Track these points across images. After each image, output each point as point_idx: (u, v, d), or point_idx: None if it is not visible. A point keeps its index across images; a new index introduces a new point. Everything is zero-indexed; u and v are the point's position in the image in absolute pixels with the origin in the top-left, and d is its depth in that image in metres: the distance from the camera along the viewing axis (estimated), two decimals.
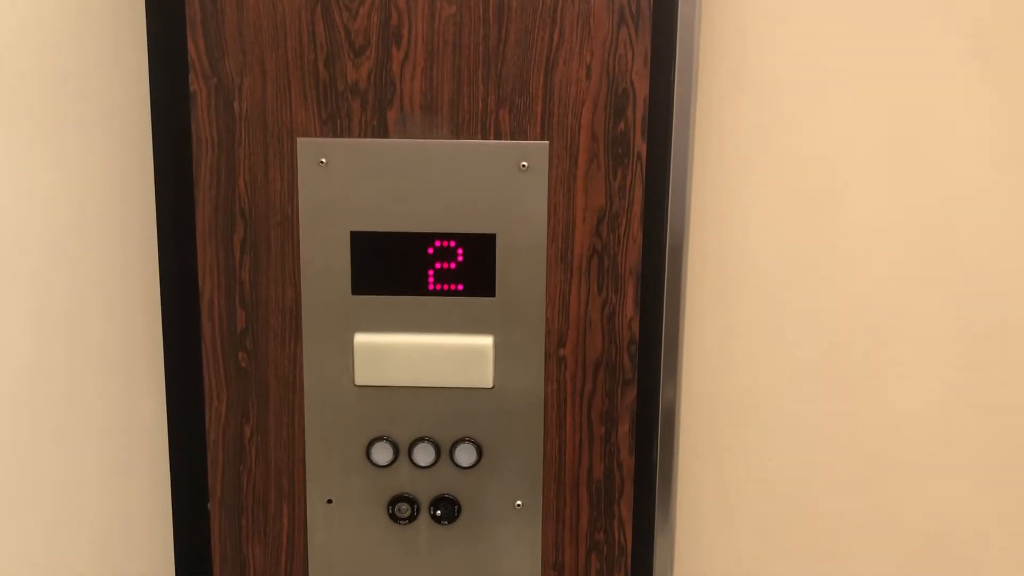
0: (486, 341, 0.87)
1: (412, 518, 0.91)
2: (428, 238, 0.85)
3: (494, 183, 0.84)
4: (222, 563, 0.92)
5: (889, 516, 0.99)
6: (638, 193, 0.84)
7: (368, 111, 0.83)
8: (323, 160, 0.84)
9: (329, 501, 0.91)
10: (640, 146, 0.83)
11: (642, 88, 0.82)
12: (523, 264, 0.86)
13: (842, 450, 0.98)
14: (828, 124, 0.92)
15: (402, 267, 0.86)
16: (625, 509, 0.91)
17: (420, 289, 0.86)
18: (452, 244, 0.85)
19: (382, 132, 0.84)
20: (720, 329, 0.95)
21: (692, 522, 0.99)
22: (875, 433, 0.97)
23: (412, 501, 0.90)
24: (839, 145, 0.92)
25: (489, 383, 0.88)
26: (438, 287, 0.86)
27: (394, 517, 0.91)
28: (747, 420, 0.97)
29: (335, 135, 0.84)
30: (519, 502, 0.91)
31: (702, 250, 0.93)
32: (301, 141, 0.84)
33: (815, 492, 0.99)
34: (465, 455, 0.89)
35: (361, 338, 0.87)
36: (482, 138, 0.84)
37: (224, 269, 0.86)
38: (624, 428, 0.89)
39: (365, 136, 0.84)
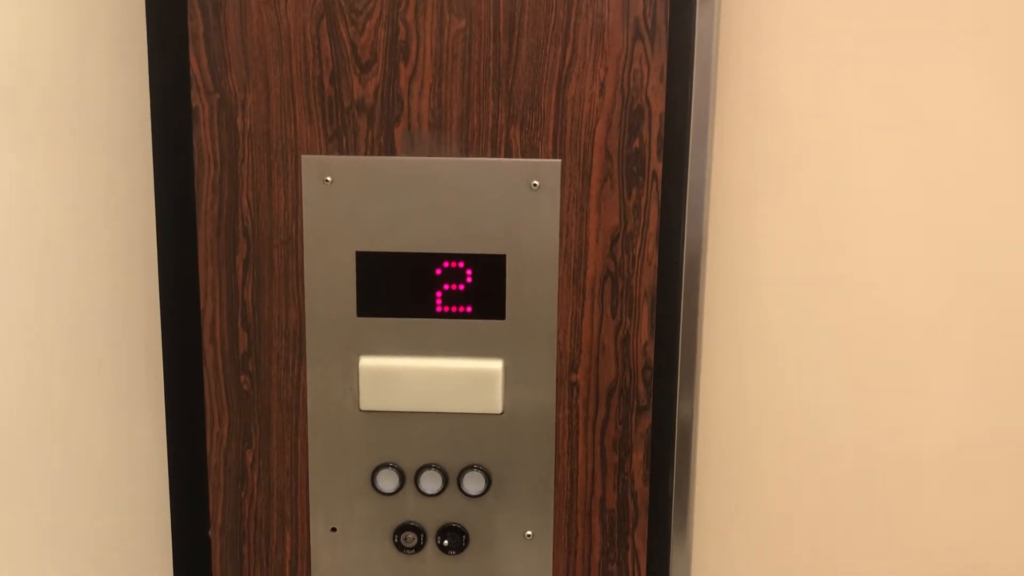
0: (495, 365, 0.84)
1: (419, 548, 0.88)
2: (436, 259, 0.83)
3: (504, 202, 0.81)
4: None
5: (912, 546, 0.95)
6: (653, 213, 0.81)
7: (375, 128, 0.81)
8: (328, 178, 0.82)
9: (333, 529, 0.88)
10: (656, 164, 0.81)
11: (658, 105, 0.80)
12: (534, 286, 0.83)
13: (864, 479, 0.94)
14: (848, 142, 0.88)
15: (409, 289, 0.83)
16: (639, 540, 0.88)
17: (428, 311, 0.84)
18: (461, 265, 0.83)
19: (389, 150, 0.81)
20: (738, 354, 0.92)
21: (709, 554, 0.95)
22: (897, 460, 0.94)
23: (418, 530, 0.87)
24: (859, 164, 0.88)
25: (498, 409, 0.85)
26: (446, 309, 0.83)
27: (400, 546, 0.88)
28: (766, 448, 0.94)
29: (341, 152, 0.81)
30: (529, 532, 0.87)
31: (720, 272, 0.90)
32: (306, 158, 0.81)
33: (837, 523, 0.95)
34: (473, 483, 0.86)
35: (367, 361, 0.84)
36: (492, 156, 0.81)
37: (226, 289, 0.84)
38: (639, 456, 0.86)
39: (372, 154, 0.81)
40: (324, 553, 0.88)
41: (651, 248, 0.82)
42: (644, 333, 0.84)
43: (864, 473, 0.94)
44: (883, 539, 0.95)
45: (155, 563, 0.94)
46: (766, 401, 0.92)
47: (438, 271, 0.83)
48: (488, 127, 0.80)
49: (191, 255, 0.84)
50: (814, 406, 0.92)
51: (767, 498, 0.95)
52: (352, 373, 0.85)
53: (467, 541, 0.88)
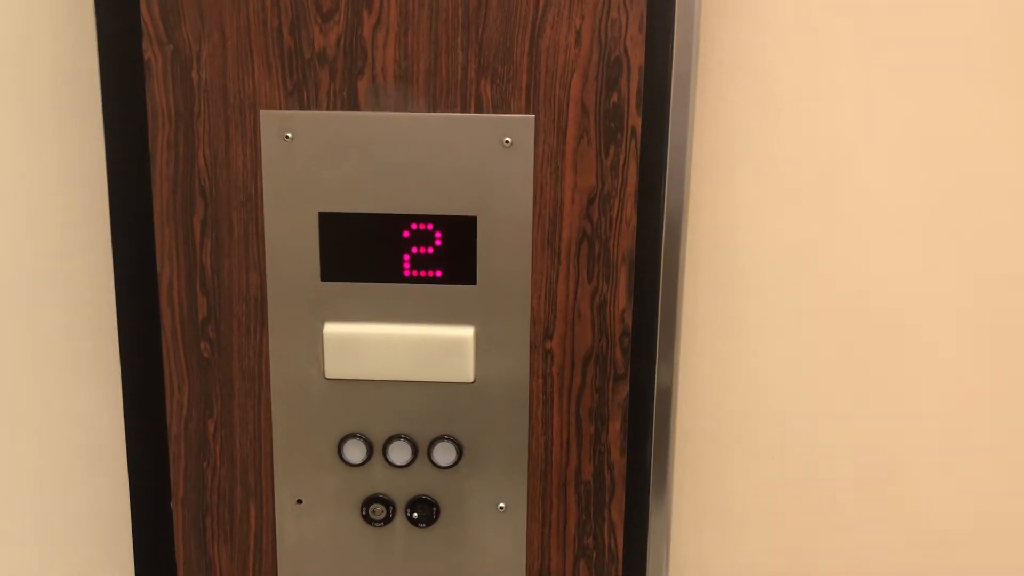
0: (466, 332, 0.80)
1: (387, 520, 0.84)
2: (403, 220, 0.78)
3: (475, 160, 0.77)
4: (186, 566, 0.86)
5: (903, 515, 0.92)
6: (632, 172, 0.77)
7: (337, 81, 0.76)
8: (288, 135, 0.77)
9: (299, 501, 0.85)
10: (635, 120, 0.76)
11: (637, 56, 0.75)
12: (506, 249, 0.79)
13: (851, 447, 0.91)
14: (837, 98, 0.84)
15: (375, 252, 0.79)
16: (616, 512, 0.84)
17: (395, 276, 0.80)
18: (430, 227, 0.79)
19: (352, 104, 0.77)
20: (720, 320, 0.88)
21: (688, 527, 0.92)
22: (885, 428, 0.91)
23: (387, 502, 0.84)
24: (848, 122, 0.84)
25: (470, 377, 0.81)
26: (414, 273, 0.80)
27: (368, 519, 0.85)
28: (749, 417, 0.90)
29: (301, 107, 0.77)
30: (502, 504, 0.84)
31: (701, 235, 0.86)
32: (264, 114, 0.77)
33: (821, 491, 0.92)
34: (444, 454, 0.83)
35: (331, 328, 0.81)
36: (462, 111, 0.77)
37: (184, 252, 0.80)
38: (615, 426, 0.82)
39: (334, 108, 0.77)
40: (290, 525, 0.85)
41: (629, 209, 0.78)
42: (622, 298, 0.80)
43: (853, 436, 0.91)
44: (869, 505, 0.92)
45: (114, 535, 0.91)
46: (750, 367, 0.89)
47: (406, 233, 0.79)
48: (457, 80, 0.76)
49: (146, 216, 0.80)
50: (796, 373, 0.89)
51: (750, 467, 0.91)
52: (316, 340, 0.81)
53: (437, 513, 0.84)
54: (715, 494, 0.92)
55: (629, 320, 0.80)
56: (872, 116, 0.84)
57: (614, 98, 0.76)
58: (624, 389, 0.82)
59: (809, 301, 0.87)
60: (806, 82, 0.84)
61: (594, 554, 0.85)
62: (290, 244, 0.79)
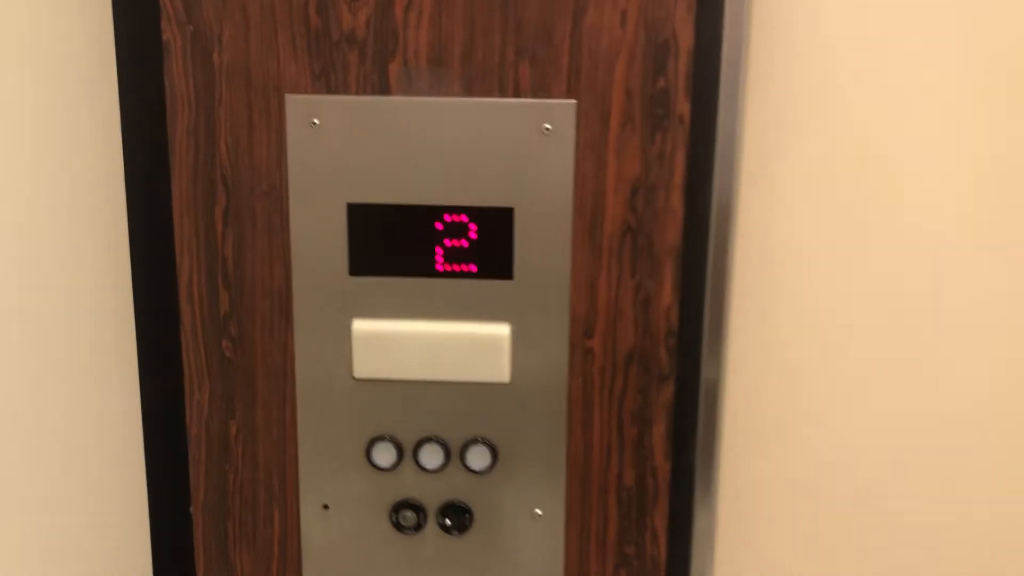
0: (502, 330, 0.76)
1: (418, 527, 0.80)
2: (436, 211, 0.74)
3: (512, 148, 0.73)
4: (206, 572, 0.83)
5: (957, 517, 0.88)
6: (679, 161, 0.73)
7: (367, 64, 0.72)
8: (315, 121, 0.73)
9: (325, 506, 0.81)
10: (683, 106, 0.72)
11: (686, 38, 0.70)
12: (545, 242, 0.74)
13: (906, 451, 0.86)
14: (893, 86, 0.79)
15: (406, 245, 0.75)
16: (659, 519, 0.80)
17: (427, 270, 0.75)
18: (464, 219, 0.74)
19: (383, 89, 0.72)
20: (770, 318, 0.83)
21: (734, 534, 0.88)
22: (939, 427, 0.86)
23: (418, 508, 0.80)
24: (902, 112, 0.79)
25: (505, 377, 0.77)
26: (447, 268, 0.75)
27: (398, 525, 0.81)
28: (799, 421, 0.86)
29: (329, 92, 0.72)
30: (538, 510, 0.80)
31: (751, 227, 0.81)
32: (290, 99, 0.73)
33: (875, 498, 0.87)
34: (478, 457, 0.79)
35: (360, 325, 0.76)
36: (499, 96, 0.72)
37: (204, 245, 0.76)
38: (659, 429, 0.78)
39: (363, 93, 0.72)
40: (315, 532, 0.81)
41: (676, 200, 0.74)
42: (667, 295, 0.75)
43: (904, 447, 0.86)
44: (923, 516, 0.88)
45: (132, 541, 0.87)
46: (799, 370, 0.84)
47: (438, 225, 0.74)
48: (494, 63, 0.72)
49: (165, 207, 0.75)
50: (852, 376, 0.84)
51: (801, 473, 0.87)
52: (344, 337, 0.77)
53: (471, 520, 0.80)
54: (762, 500, 0.88)
55: (674, 318, 0.76)
56: (928, 107, 0.79)
57: (661, 83, 0.71)
58: (669, 390, 0.77)
59: (869, 299, 0.82)
60: (861, 70, 0.79)
61: (635, 563, 0.81)
62: (316, 236, 0.75)
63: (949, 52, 0.78)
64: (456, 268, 0.75)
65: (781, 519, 0.88)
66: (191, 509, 0.82)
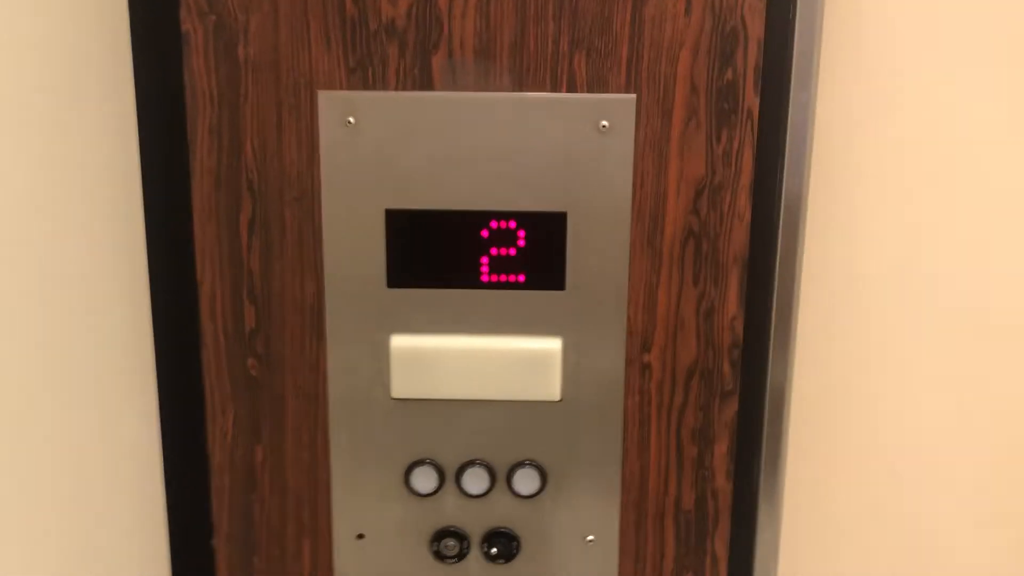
0: (553, 344, 0.70)
1: (461, 556, 0.75)
2: (482, 217, 0.68)
3: (566, 147, 0.67)
4: None
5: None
6: (747, 160, 0.67)
7: (408, 57, 0.66)
8: (351, 119, 0.67)
9: (360, 536, 0.75)
10: (751, 101, 0.66)
11: (756, 28, 0.65)
12: (600, 250, 0.69)
13: (972, 469, 0.81)
14: (963, 85, 0.74)
15: (449, 254, 0.69)
16: (720, 545, 0.75)
17: (472, 281, 0.69)
18: (512, 225, 0.68)
19: (425, 83, 0.66)
20: (839, 330, 0.78)
21: (799, 561, 0.83)
22: (1010, 440, 0.81)
23: (461, 536, 0.74)
24: (972, 112, 0.74)
25: (556, 395, 0.71)
26: (494, 278, 0.69)
27: (439, 555, 0.75)
28: (867, 440, 0.80)
29: (366, 87, 0.66)
30: (591, 537, 0.74)
31: (823, 233, 0.76)
32: (323, 95, 0.66)
33: (943, 522, 0.82)
34: (526, 481, 0.73)
35: (399, 341, 0.70)
36: (552, 90, 0.66)
37: (228, 256, 0.70)
38: (721, 449, 0.73)
39: (404, 88, 0.66)
40: (350, 564, 0.75)
41: (743, 203, 0.68)
42: (732, 305, 0.70)
43: (972, 463, 0.81)
44: (992, 531, 0.83)
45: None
46: (868, 385, 0.79)
47: (485, 232, 0.68)
48: (547, 54, 0.66)
49: (185, 215, 0.69)
50: (920, 390, 0.79)
51: (868, 496, 0.82)
52: (382, 355, 0.71)
53: (518, 548, 0.75)
54: (828, 524, 0.82)
55: (739, 329, 0.70)
56: (998, 107, 0.74)
57: (728, 75, 0.66)
58: (732, 407, 0.72)
59: (940, 308, 0.77)
60: (931, 67, 0.73)
61: None
62: (352, 245, 0.69)
63: (1019, 53, 0.73)
64: (503, 279, 0.69)
65: (848, 543, 0.83)
66: (214, 542, 0.75)
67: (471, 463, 0.73)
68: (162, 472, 0.73)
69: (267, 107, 0.67)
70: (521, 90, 0.66)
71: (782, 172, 0.68)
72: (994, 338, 0.79)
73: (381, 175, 0.68)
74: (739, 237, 0.69)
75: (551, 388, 0.71)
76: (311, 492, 0.74)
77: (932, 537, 0.83)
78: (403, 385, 0.71)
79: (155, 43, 0.66)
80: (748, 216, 0.68)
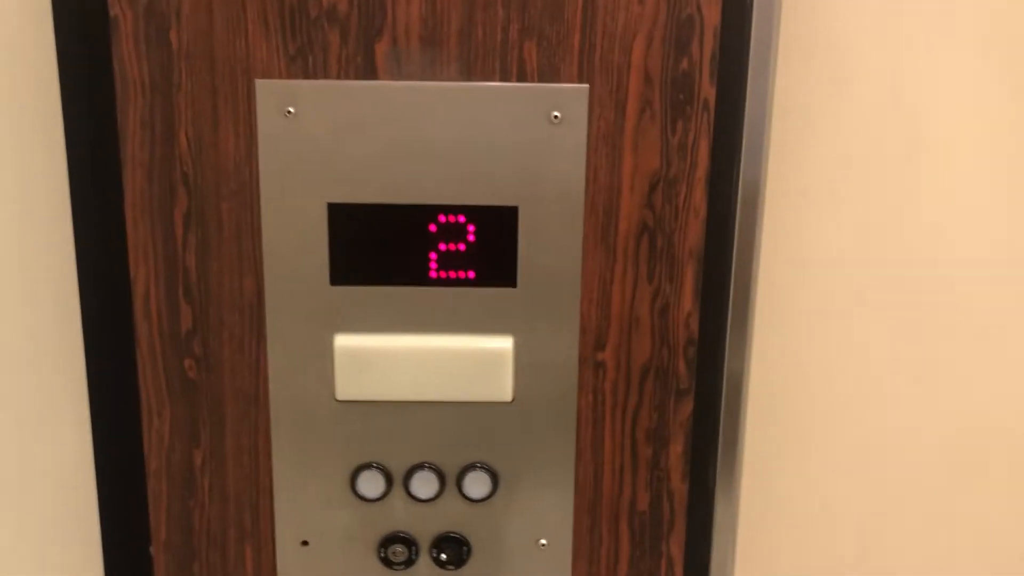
0: (504, 343, 0.68)
1: (409, 562, 0.72)
2: (430, 211, 0.66)
3: (516, 139, 0.64)
4: None
5: (981, 529, 0.82)
6: (703, 153, 0.65)
7: (350, 44, 0.63)
8: (291, 109, 0.64)
9: (304, 543, 0.72)
10: (708, 91, 0.64)
11: (712, 15, 0.63)
12: (553, 245, 0.66)
13: (931, 469, 0.80)
14: (923, 72, 0.72)
15: (396, 250, 0.66)
16: (676, 547, 0.73)
17: (419, 278, 0.67)
18: (461, 219, 0.66)
19: (369, 72, 0.63)
20: (797, 326, 0.76)
21: (756, 562, 0.81)
22: (963, 432, 0.80)
23: (409, 542, 0.72)
24: (931, 99, 0.72)
25: (508, 395, 0.69)
26: (443, 275, 0.67)
27: (387, 561, 0.72)
28: (825, 440, 0.79)
29: (306, 76, 0.63)
30: (543, 541, 0.72)
31: (780, 228, 0.74)
32: (261, 84, 0.63)
33: (903, 520, 0.81)
34: (477, 485, 0.71)
35: (343, 340, 0.68)
36: (501, 80, 0.64)
37: (163, 253, 0.66)
38: (677, 449, 0.71)
39: (346, 77, 0.63)
40: (294, 571, 0.73)
41: (699, 197, 0.66)
42: (687, 302, 0.68)
43: (932, 459, 0.80)
44: (952, 528, 0.82)
45: None
46: (827, 383, 0.77)
47: (432, 227, 0.66)
48: (496, 42, 0.63)
49: (116, 210, 0.66)
50: (880, 385, 0.78)
51: (826, 496, 0.80)
52: (325, 355, 0.68)
53: (468, 553, 0.72)
54: (786, 525, 0.81)
55: (695, 326, 0.68)
56: (959, 95, 0.73)
57: (684, 64, 0.64)
58: (688, 407, 0.70)
59: (899, 303, 0.76)
60: (892, 55, 0.72)
61: None
62: (293, 241, 0.66)
63: (975, 39, 0.72)
64: (452, 275, 0.67)
65: (805, 543, 0.82)
66: (151, 549, 0.72)
67: (420, 466, 0.70)
68: (95, 477, 0.70)
69: (202, 96, 0.64)
70: (469, 80, 0.64)
71: (739, 164, 0.66)
72: (955, 330, 0.78)
73: (323, 168, 0.65)
74: (695, 232, 0.67)
75: (502, 388, 0.69)
76: (253, 497, 0.71)
77: (892, 536, 0.82)
78: (348, 386, 0.68)
79: (81, 29, 0.63)
80: (704, 210, 0.66)
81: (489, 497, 0.71)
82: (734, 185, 0.66)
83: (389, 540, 0.72)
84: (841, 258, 0.75)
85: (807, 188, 0.73)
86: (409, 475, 0.70)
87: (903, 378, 0.78)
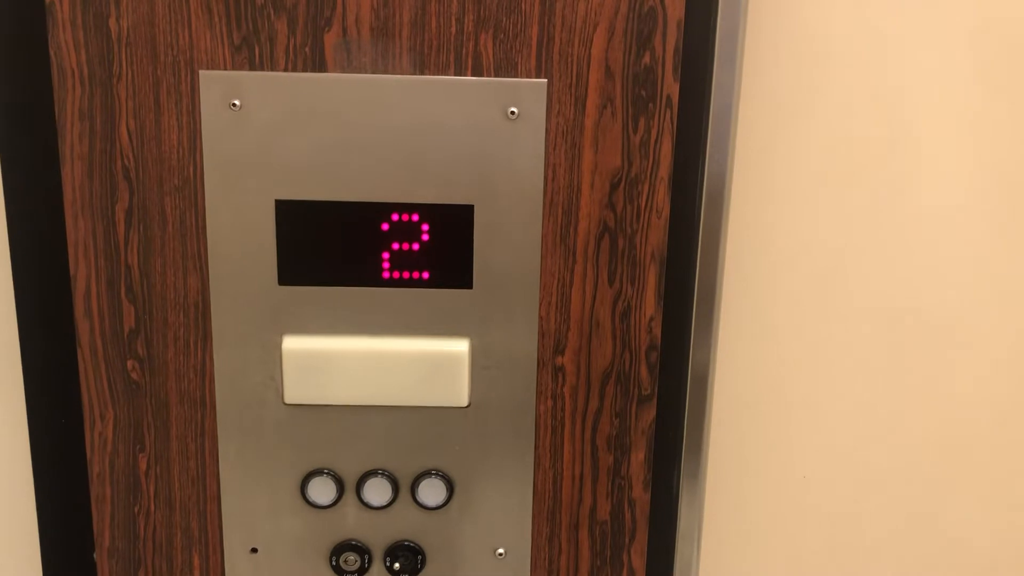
0: (460, 346, 0.65)
1: (362, 571, 0.70)
2: (382, 209, 0.63)
3: (472, 135, 0.62)
4: None
5: (939, 536, 0.80)
6: (666, 151, 0.63)
7: (298, 35, 0.60)
8: (236, 102, 0.61)
9: (254, 550, 0.70)
10: (671, 87, 0.61)
11: (675, 7, 0.60)
12: (510, 245, 0.64)
13: (904, 474, 0.78)
14: (897, 68, 0.70)
15: (347, 249, 0.64)
16: (637, 558, 0.71)
17: (372, 278, 0.64)
18: (415, 218, 0.63)
19: (318, 64, 0.61)
20: (762, 329, 0.74)
21: (721, 571, 0.79)
22: (934, 432, 0.78)
23: (362, 550, 0.70)
24: (906, 98, 0.70)
25: (464, 400, 0.67)
26: (396, 275, 0.64)
27: (339, 570, 0.70)
28: (791, 447, 0.77)
29: (252, 67, 0.61)
30: (501, 550, 0.70)
31: (745, 230, 0.71)
32: (205, 75, 0.61)
33: (865, 526, 0.79)
34: (431, 492, 0.68)
35: (292, 342, 0.65)
36: (456, 74, 0.61)
37: (104, 250, 0.64)
38: (638, 457, 0.69)
39: (294, 69, 0.61)
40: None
41: (662, 196, 0.63)
42: (649, 305, 0.65)
43: (897, 463, 0.78)
44: (917, 530, 0.80)
45: None
46: (793, 389, 0.75)
47: (385, 226, 0.63)
48: (451, 34, 0.60)
49: (55, 206, 0.63)
50: (847, 389, 0.76)
51: (791, 501, 0.78)
52: (273, 357, 0.65)
53: (423, 563, 0.70)
54: (749, 531, 0.79)
55: (657, 330, 0.66)
56: (930, 93, 0.70)
57: (646, 59, 0.61)
58: (650, 413, 0.68)
59: (869, 305, 0.74)
60: (862, 50, 0.69)
61: None
62: (239, 239, 0.63)
63: (948, 30, 0.69)
64: (406, 275, 0.64)
65: (771, 550, 0.80)
66: (95, 556, 0.70)
67: (372, 473, 0.68)
68: (32, 483, 0.67)
69: (143, 87, 0.61)
70: (423, 73, 0.61)
71: (703, 163, 0.64)
72: (925, 331, 0.75)
73: (270, 163, 0.62)
74: (657, 233, 0.64)
75: (458, 393, 0.66)
76: (199, 503, 0.69)
77: (861, 541, 0.80)
78: (297, 390, 0.66)
79: (15, 15, 0.60)
80: (667, 210, 0.64)
81: (444, 505, 0.69)
82: (698, 184, 0.64)
83: (341, 548, 0.69)
84: (810, 258, 0.72)
85: (775, 186, 0.71)
86: (361, 482, 0.68)
87: (873, 381, 0.76)
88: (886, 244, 0.73)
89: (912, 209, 0.72)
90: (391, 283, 0.64)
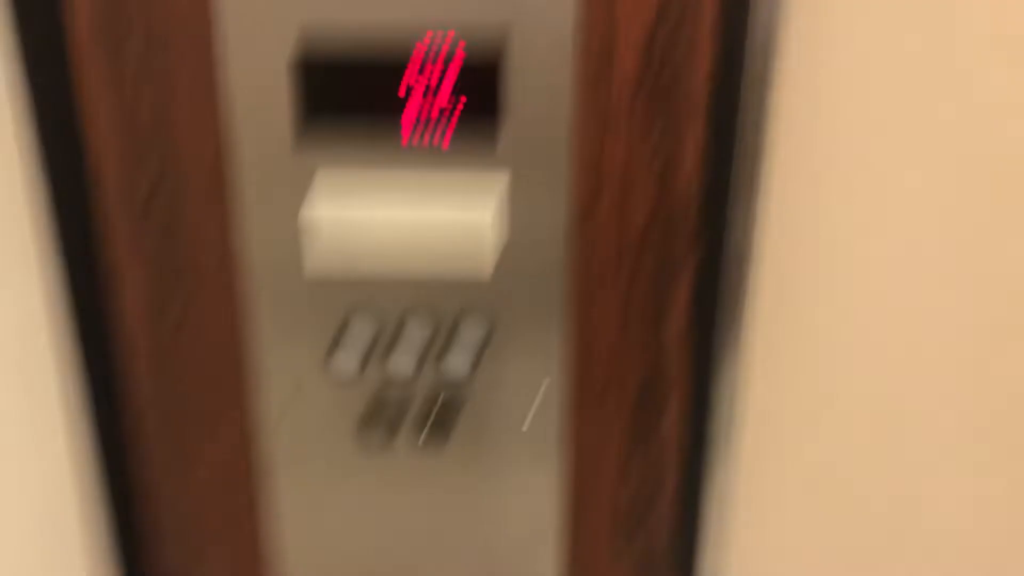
0: (485, 214, 0.62)
1: (389, 442, 0.68)
2: (408, 59, 0.59)
3: None
4: (151, 486, 0.70)
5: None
6: None
7: None
8: None
9: (282, 419, 0.68)
10: None
11: None
12: (538, 90, 0.59)
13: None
14: None
15: (376, 81, 0.60)
16: (670, 425, 0.68)
17: (395, 142, 0.61)
18: (445, 81, 0.59)
19: None
20: (812, 194, 0.68)
21: (758, 409, 0.75)
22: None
23: (388, 421, 0.67)
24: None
25: (489, 267, 0.63)
26: (416, 142, 0.60)
27: (365, 441, 0.68)
28: (839, 304, 0.72)
29: None
30: (526, 425, 0.68)
31: (800, 76, 0.65)
32: None
33: (902, 372, 0.75)
34: (458, 360, 0.66)
35: (313, 209, 0.62)
36: None
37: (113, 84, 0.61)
38: (679, 323, 0.65)
39: None
40: (271, 448, 0.69)
41: (705, 35, 0.58)
42: (690, 158, 0.61)
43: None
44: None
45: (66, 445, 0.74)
46: (842, 246, 0.70)
47: (409, 82, 0.59)
48: None
49: (62, 63, 0.60)
50: (905, 277, 0.70)
51: (830, 370, 0.74)
52: (294, 228, 0.63)
53: (450, 432, 0.68)
54: (788, 393, 0.75)
55: (697, 187, 0.62)
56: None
57: None
58: (689, 277, 0.64)
59: (928, 148, 0.68)
60: None
61: (647, 471, 0.69)
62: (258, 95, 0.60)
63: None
64: (427, 140, 0.60)
65: (809, 409, 0.76)
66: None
67: (399, 340, 0.65)
68: (71, 345, 0.66)
69: None
70: None
71: (751, 4, 0.58)
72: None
73: None
74: (700, 78, 0.59)
75: (484, 258, 0.63)
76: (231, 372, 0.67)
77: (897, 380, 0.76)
78: (319, 261, 0.63)
79: None
80: (710, 53, 0.59)
81: (471, 373, 0.66)
82: (745, 22, 0.59)
83: (366, 419, 0.67)
84: (871, 114, 0.66)
85: (833, 35, 0.65)
86: (389, 351, 0.66)
87: (943, 251, 0.70)
88: (951, 79, 0.66)
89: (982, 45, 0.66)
90: (412, 151, 0.61)
